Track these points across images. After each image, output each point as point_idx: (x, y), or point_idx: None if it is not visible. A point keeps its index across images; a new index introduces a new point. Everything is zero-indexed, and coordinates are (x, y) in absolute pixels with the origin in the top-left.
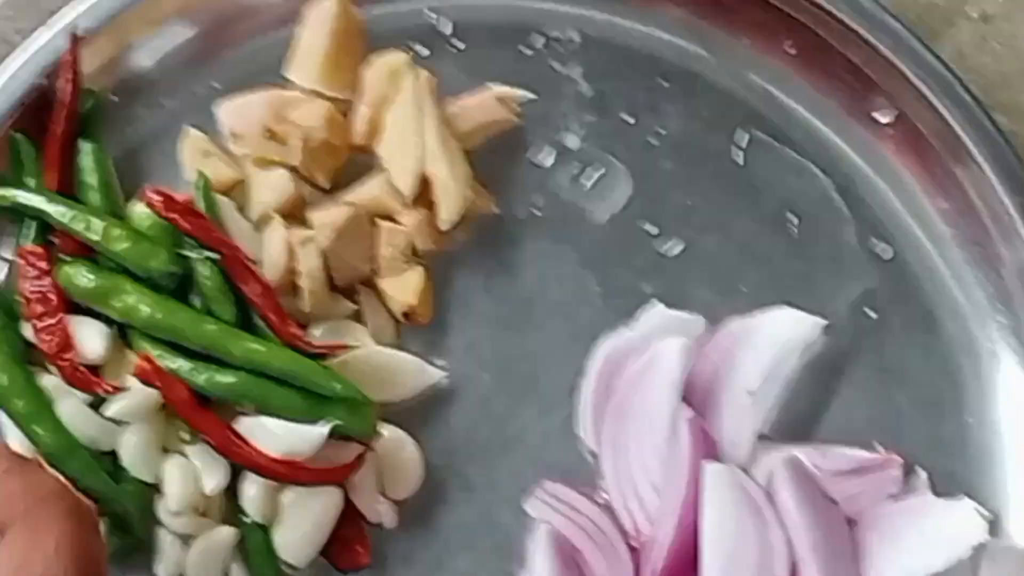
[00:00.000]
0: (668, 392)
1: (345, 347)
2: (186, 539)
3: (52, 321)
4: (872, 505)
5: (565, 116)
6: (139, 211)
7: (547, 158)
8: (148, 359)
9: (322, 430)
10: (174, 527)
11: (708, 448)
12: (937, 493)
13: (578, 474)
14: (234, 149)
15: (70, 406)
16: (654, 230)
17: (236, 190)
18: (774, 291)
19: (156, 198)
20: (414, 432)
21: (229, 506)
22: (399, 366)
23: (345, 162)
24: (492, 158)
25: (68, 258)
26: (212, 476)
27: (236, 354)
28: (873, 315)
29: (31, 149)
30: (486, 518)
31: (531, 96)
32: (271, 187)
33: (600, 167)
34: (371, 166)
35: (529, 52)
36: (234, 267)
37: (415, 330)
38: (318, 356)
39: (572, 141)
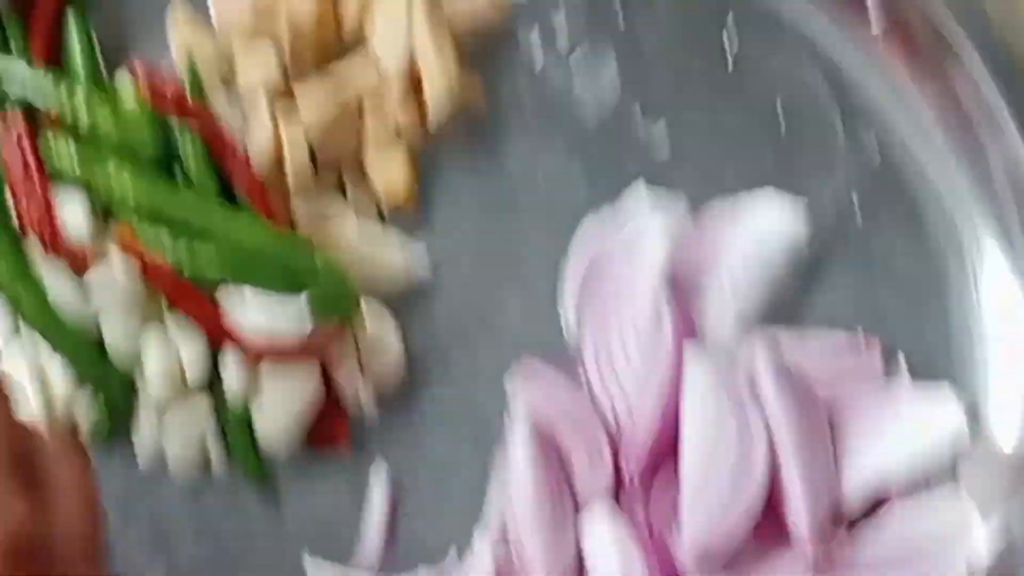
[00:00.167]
0: (649, 272)
1: (329, 224)
2: (164, 411)
3: (33, 189)
4: (852, 389)
5: (554, 1)
6: (123, 83)
7: (535, 41)
8: (129, 231)
9: (302, 303)
10: (153, 398)
11: (689, 330)
12: (917, 379)
13: (559, 354)
14: (220, 24)
15: (52, 272)
16: (640, 112)
17: (222, 65)
18: (759, 176)
19: (140, 71)
20: (395, 312)
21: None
22: (381, 245)
23: (332, 43)
24: (480, 42)
25: (50, 129)
26: (190, 348)
27: (217, 228)
28: (858, 203)
29: (16, 20)
30: (465, 398)
31: None
32: (258, 64)
33: (587, 50)
34: (359, 48)
35: None
36: (217, 143)
37: (398, 212)
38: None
39: (560, 24)
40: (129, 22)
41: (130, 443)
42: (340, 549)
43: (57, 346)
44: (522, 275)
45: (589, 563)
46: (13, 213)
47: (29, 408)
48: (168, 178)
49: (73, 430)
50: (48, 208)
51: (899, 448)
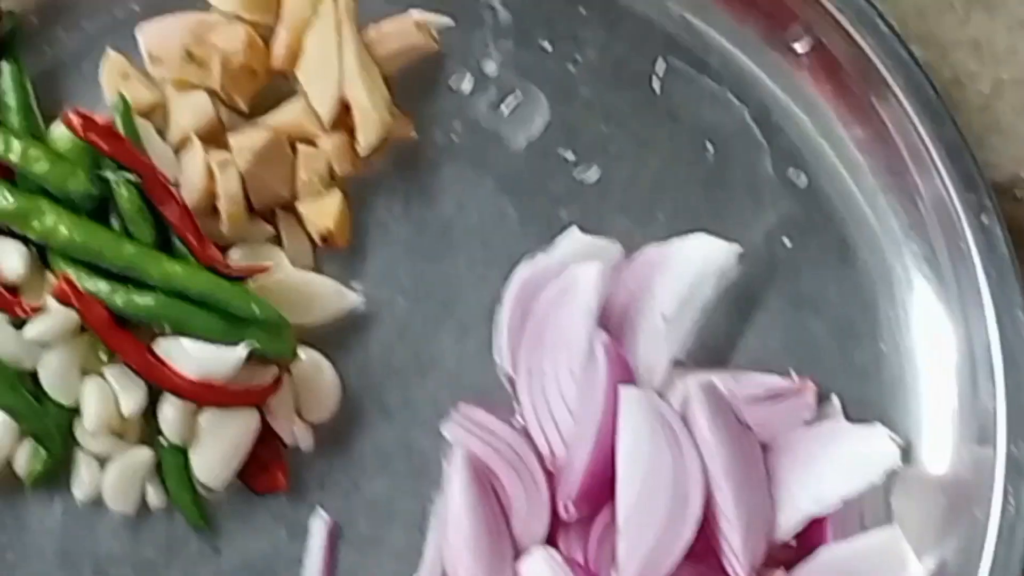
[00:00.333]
0: (584, 316)
1: (263, 269)
2: (104, 460)
3: None
4: (786, 431)
5: (484, 43)
6: (58, 132)
7: (466, 84)
8: (67, 280)
9: (240, 352)
10: (92, 448)
11: (624, 373)
12: (850, 419)
13: (495, 398)
14: (154, 72)
15: None
16: (571, 157)
17: (156, 113)
18: (691, 219)
19: (76, 119)
20: (331, 356)
21: (147, 428)
22: (317, 289)
23: (265, 86)
24: (411, 84)
25: None
26: (130, 397)
27: (154, 275)
28: (789, 243)
29: None
30: (403, 442)
31: (450, 22)
32: (191, 110)
33: (518, 94)
34: (291, 91)
35: None
36: (153, 189)
37: (333, 254)
38: (236, 278)
39: (490, 68)
40: (63, 72)
41: (68, 484)
42: None
43: None
44: (457, 317)
45: None
46: None
47: None
48: (105, 226)
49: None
50: None
51: (834, 486)
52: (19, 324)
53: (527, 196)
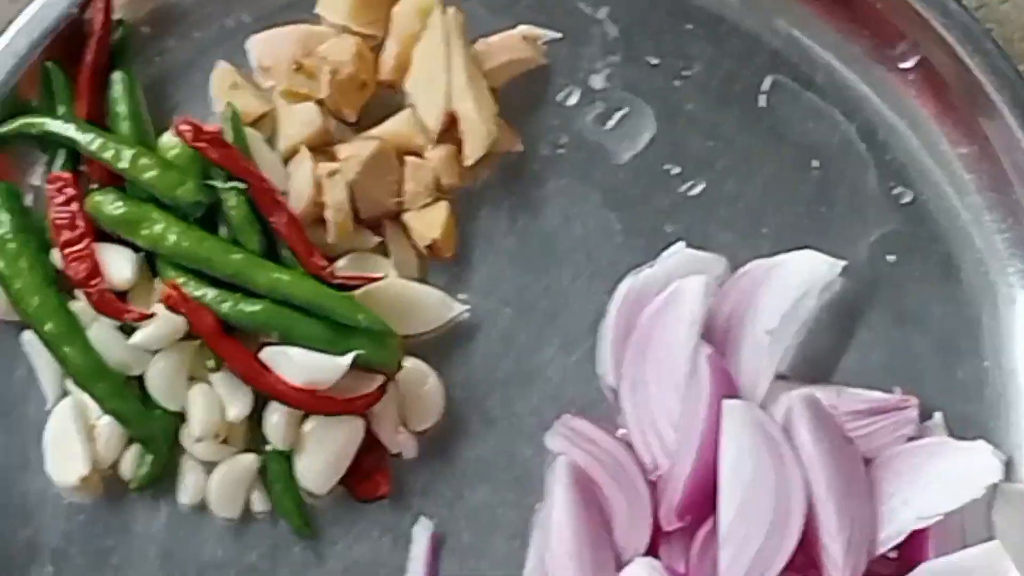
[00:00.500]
0: (688, 329)
1: (370, 279)
2: (209, 466)
3: (80, 247)
4: (888, 446)
5: (591, 56)
6: (168, 141)
7: (572, 98)
8: (175, 287)
9: (345, 360)
10: (197, 453)
11: (727, 386)
12: (953, 435)
13: (598, 409)
14: (263, 83)
15: (100, 330)
16: (676, 171)
17: (264, 123)
18: (795, 234)
19: (185, 128)
20: (436, 365)
21: (252, 434)
22: (422, 299)
23: (372, 98)
24: (518, 97)
25: (97, 186)
26: (235, 403)
27: (261, 283)
28: (892, 259)
29: (63, 78)
30: (505, 451)
31: (557, 36)
32: (299, 120)
33: (624, 107)
34: (398, 102)
35: None
36: (261, 198)
37: (438, 264)
38: (342, 287)
39: (597, 81)
40: (173, 81)
41: (173, 489)
42: None
43: (105, 405)
44: (561, 329)
45: None
46: (61, 273)
47: (77, 467)
48: (213, 234)
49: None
50: (95, 267)
51: (936, 501)
52: (128, 330)
53: (632, 210)
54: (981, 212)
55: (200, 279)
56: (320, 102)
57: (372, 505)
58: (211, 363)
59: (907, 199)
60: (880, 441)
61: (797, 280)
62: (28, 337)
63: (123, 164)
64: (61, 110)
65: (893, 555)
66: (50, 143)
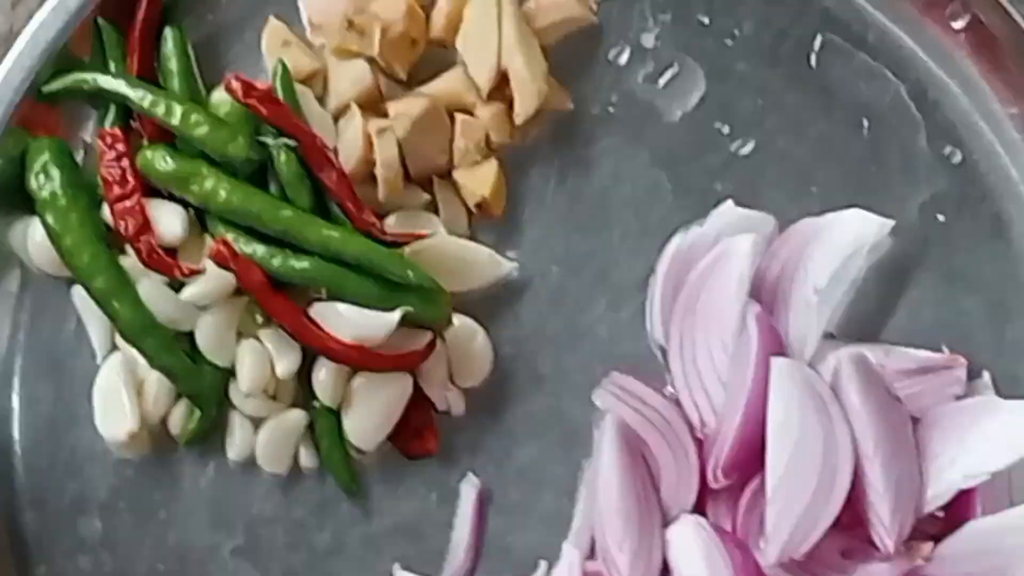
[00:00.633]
0: (737, 287)
1: (419, 236)
2: (257, 422)
3: (130, 203)
4: (936, 405)
5: (642, 15)
6: (219, 98)
7: (622, 56)
8: (225, 243)
9: (394, 316)
10: (246, 409)
11: (775, 344)
12: (1001, 395)
13: (646, 367)
14: (314, 40)
15: (150, 285)
16: (726, 129)
17: (315, 80)
18: (844, 193)
19: (236, 85)
20: (485, 322)
21: (300, 390)
22: (472, 256)
23: (423, 55)
24: (568, 55)
25: (148, 142)
26: (284, 359)
27: (311, 240)
28: (942, 219)
29: (115, 35)
30: (554, 409)
31: None
32: (350, 77)
33: (674, 66)
34: (449, 60)
35: None
36: (312, 154)
37: (488, 222)
38: (392, 244)
39: (648, 41)
40: (225, 38)
41: (221, 445)
42: (428, 558)
43: (154, 360)
44: (610, 287)
45: (676, 575)
46: (111, 229)
47: (126, 422)
48: (263, 191)
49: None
50: (145, 223)
51: (983, 460)
52: (177, 286)
53: (682, 168)
54: None
55: (250, 235)
56: (371, 59)
57: (419, 462)
58: (260, 319)
59: (957, 159)
60: (928, 400)
61: (846, 239)
62: (78, 292)
63: (174, 120)
64: (113, 66)
65: (940, 514)
66: (101, 99)
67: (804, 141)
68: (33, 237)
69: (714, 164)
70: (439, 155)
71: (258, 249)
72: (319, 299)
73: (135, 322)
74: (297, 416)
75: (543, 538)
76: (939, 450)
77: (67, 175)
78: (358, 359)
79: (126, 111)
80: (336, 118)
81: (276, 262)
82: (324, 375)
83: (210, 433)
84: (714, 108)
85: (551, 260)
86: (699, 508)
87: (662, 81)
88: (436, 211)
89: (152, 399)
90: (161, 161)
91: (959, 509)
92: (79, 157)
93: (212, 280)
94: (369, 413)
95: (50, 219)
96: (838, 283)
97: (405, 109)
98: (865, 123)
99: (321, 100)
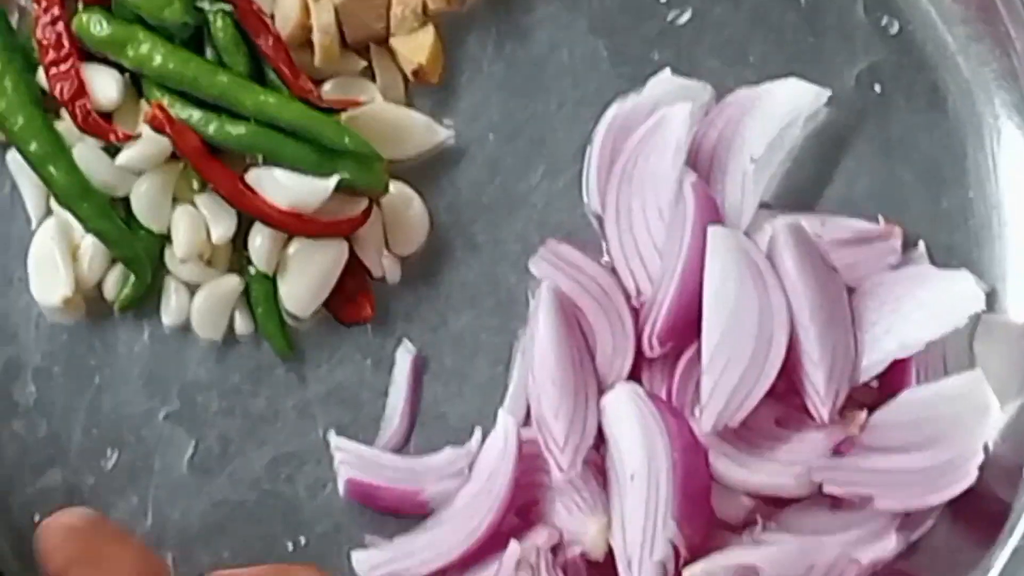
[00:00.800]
0: (674, 156)
1: (355, 103)
2: (192, 287)
3: (66, 67)
4: (872, 274)
5: None
6: None
7: None
8: (160, 108)
9: (330, 182)
10: (181, 275)
11: (712, 212)
12: (936, 265)
13: (582, 236)
14: None
15: (85, 150)
16: (667, 2)
17: None
18: (781, 62)
19: None
20: (421, 190)
21: (236, 256)
22: (408, 123)
23: None
24: None
25: (83, 6)
26: (220, 225)
27: (247, 105)
28: (878, 89)
29: None
30: (490, 276)
31: None
32: None
33: None
34: None
35: None
36: (248, 19)
37: (424, 89)
38: (328, 110)
39: None
40: None
41: (157, 310)
42: (364, 424)
43: (89, 225)
44: (547, 155)
45: (611, 443)
46: (46, 93)
47: (61, 287)
48: (200, 56)
49: None
50: (81, 87)
51: (918, 329)
52: (113, 151)
53: (619, 37)
54: (968, 43)
55: (186, 100)
56: None
57: (355, 328)
58: (196, 185)
59: (894, 29)
60: (863, 270)
61: (783, 109)
62: (13, 156)
63: None
64: None
65: (875, 384)
66: None
67: (741, 10)
68: None
69: (651, 32)
70: (376, 21)
71: (194, 114)
72: (255, 165)
73: (70, 187)
74: (232, 282)
75: (478, 405)
76: (874, 319)
77: (1, 39)
78: (294, 225)
79: None
80: None
81: (212, 127)
82: (260, 241)
83: (145, 298)
84: None
85: (488, 128)
86: (635, 376)
87: None
88: (373, 78)
89: (87, 264)
90: (96, 25)
91: (894, 379)
92: (13, 20)
93: (148, 145)
94: (304, 279)
95: None
96: (774, 152)
97: None
98: None
99: None
